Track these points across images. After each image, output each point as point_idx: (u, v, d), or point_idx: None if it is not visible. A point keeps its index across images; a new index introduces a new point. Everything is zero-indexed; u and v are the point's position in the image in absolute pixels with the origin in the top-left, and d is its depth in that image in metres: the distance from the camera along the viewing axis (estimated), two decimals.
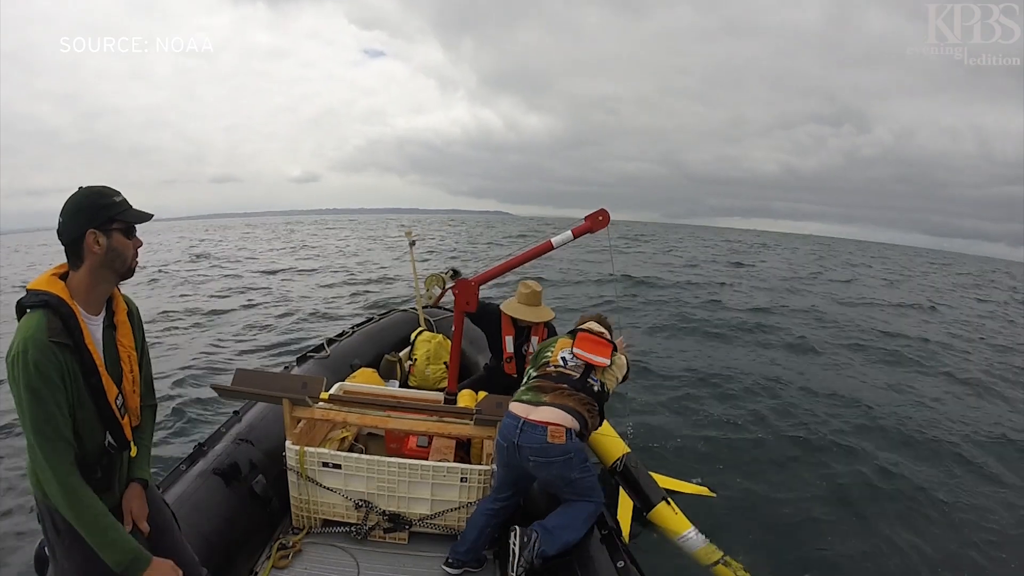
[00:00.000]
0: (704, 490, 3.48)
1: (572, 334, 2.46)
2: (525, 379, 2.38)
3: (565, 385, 2.20)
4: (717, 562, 2.64)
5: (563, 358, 2.32)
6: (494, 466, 2.31)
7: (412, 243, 4.56)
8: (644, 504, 2.92)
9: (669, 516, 2.79)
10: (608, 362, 2.32)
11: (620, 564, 1.95)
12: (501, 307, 3.29)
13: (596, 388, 2.25)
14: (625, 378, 2.53)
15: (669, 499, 2.88)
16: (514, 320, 3.29)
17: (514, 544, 1.97)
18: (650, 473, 3.07)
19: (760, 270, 20.12)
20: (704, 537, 2.74)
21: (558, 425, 2.06)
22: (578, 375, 2.25)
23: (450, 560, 2.19)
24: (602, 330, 2.56)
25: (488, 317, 3.36)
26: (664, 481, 3.21)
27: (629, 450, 3.15)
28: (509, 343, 3.30)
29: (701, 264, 20.80)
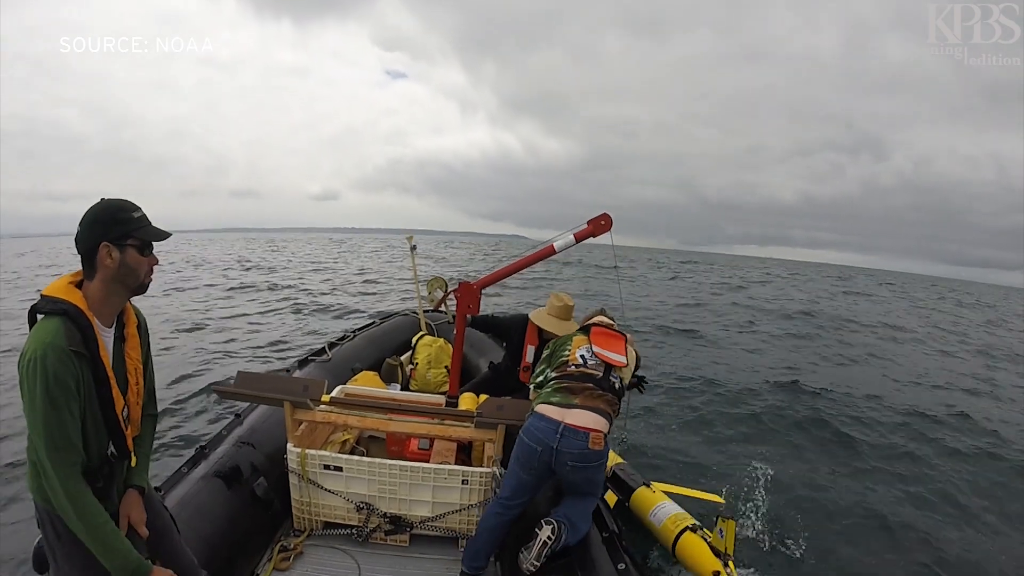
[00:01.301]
0: (714, 496, 3.36)
1: (585, 330, 2.43)
2: (542, 377, 2.34)
3: (591, 385, 2.17)
4: (684, 530, 2.45)
5: (582, 356, 2.28)
6: (496, 469, 2.31)
7: (413, 248, 4.58)
8: (625, 493, 2.87)
9: (646, 496, 2.71)
10: (626, 360, 2.31)
11: (621, 566, 1.94)
12: (531, 316, 3.25)
13: (617, 386, 2.25)
14: (636, 369, 2.52)
15: (650, 484, 2.81)
16: (539, 331, 3.24)
17: (549, 538, 1.98)
18: (653, 482, 3.02)
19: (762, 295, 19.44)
20: (678, 507, 2.60)
21: (598, 432, 2.05)
22: (601, 374, 2.22)
23: (468, 572, 2.15)
24: (611, 321, 2.55)
25: (512, 325, 3.38)
26: (670, 488, 3.15)
27: (622, 460, 3.12)
28: (530, 352, 3.25)
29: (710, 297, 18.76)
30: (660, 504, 2.64)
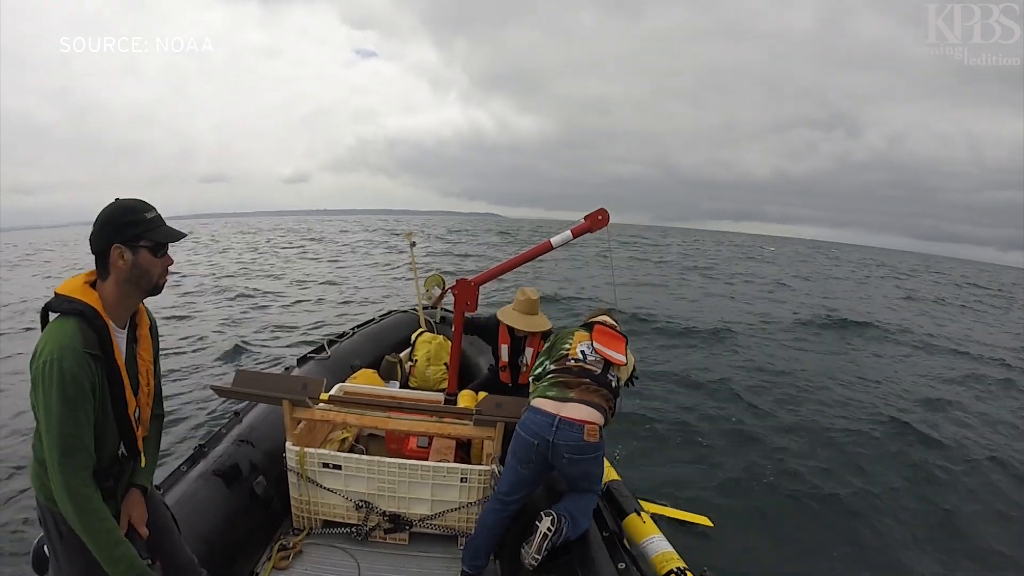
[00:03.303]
0: (703, 519, 3.33)
1: (588, 327, 2.43)
2: (540, 369, 2.34)
3: (588, 380, 2.18)
4: (668, 573, 2.36)
5: (582, 352, 2.29)
6: (495, 467, 2.31)
7: (412, 244, 4.58)
8: (617, 515, 2.81)
9: (637, 525, 2.62)
10: (626, 359, 2.31)
11: (621, 566, 1.94)
12: (498, 314, 3.18)
13: (614, 384, 2.25)
14: (632, 379, 2.51)
15: (641, 512, 2.70)
16: (510, 328, 3.20)
17: (549, 530, 1.98)
18: (640, 500, 2.99)
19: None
20: (668, 545, 2.51)
21: (594, 424, 2.06)
22: (599, 370, 2.23)
23: (468, 572, 2.16)
24: (614, 323, 2.55)
25: (488, 328, 3.33)
26: (660, 509, 3.12)
27: (619, 477, 3.08)
28: (505, 352, 3.23)
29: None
30: (650, 538, 2.54)
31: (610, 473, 3.05)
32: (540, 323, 3.13)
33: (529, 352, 3.18)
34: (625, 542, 2.12)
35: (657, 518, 2.84)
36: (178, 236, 1.33)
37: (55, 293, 1.26)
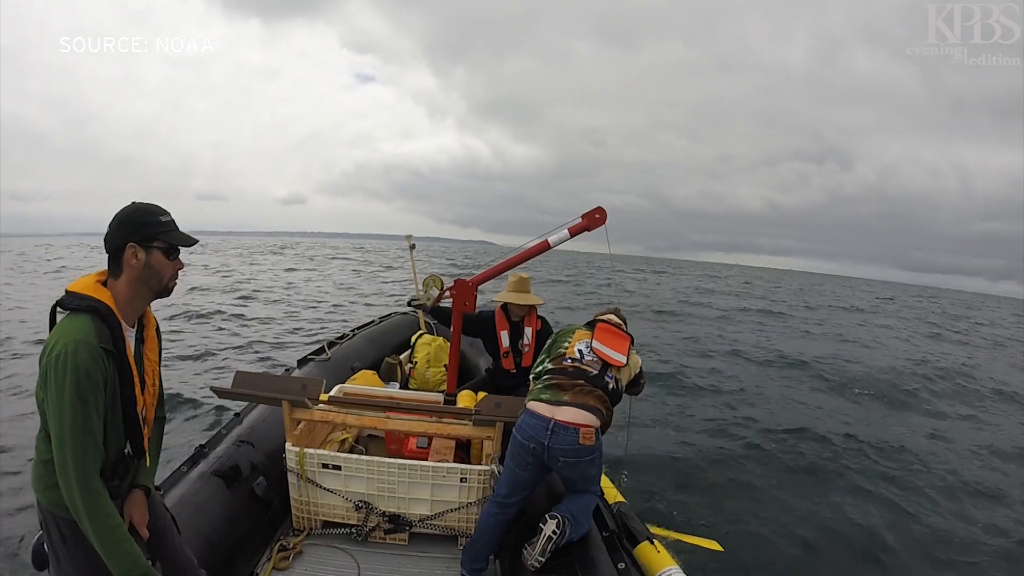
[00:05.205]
0: (712, 543, 3.27)
1: (591, 325, 2.41)
2: (540, 367, 2.33)
3: (582, 381, 2.16)
4: None
5: (579, 350, 2.28)
6: (494, 467, 2.31)
7: (412, 247, 4.59)
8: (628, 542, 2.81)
9: (651, 554, 2.56)
10: (625, 361, 2.28)
11: (621, 566, 1.95)
12: (496, 298, 3.39)
13: (612, 386, 2.23)
14: (639, 383, 2.47)
15: (654, 540, 2.66)
16: (507, 314, 3.36)
17: (555, 532, 1.98)
18: (649, 525, 2.98)
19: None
20: None
21: (589, 427, 2.05)
22: (595, 371, 2.21)
23: (466, 574, 2.17)
24: (619, 321, 2.52)
25: (481, 320, 3.41)
26: (667, 533, 3.10)
27: (623, 500, 3.00)
28: (505, 337, 3.35)
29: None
30: (667, 570, 2.47)
31: (614, 495, 3.02)
32: (533, 299, 3.37)
33: (528, 331, 3.35)
34: (624, 540, 2.12)
35: (666, 543, 2.82)
36: (190, 242, 1.37)
37: (66, 291, 1.28)
